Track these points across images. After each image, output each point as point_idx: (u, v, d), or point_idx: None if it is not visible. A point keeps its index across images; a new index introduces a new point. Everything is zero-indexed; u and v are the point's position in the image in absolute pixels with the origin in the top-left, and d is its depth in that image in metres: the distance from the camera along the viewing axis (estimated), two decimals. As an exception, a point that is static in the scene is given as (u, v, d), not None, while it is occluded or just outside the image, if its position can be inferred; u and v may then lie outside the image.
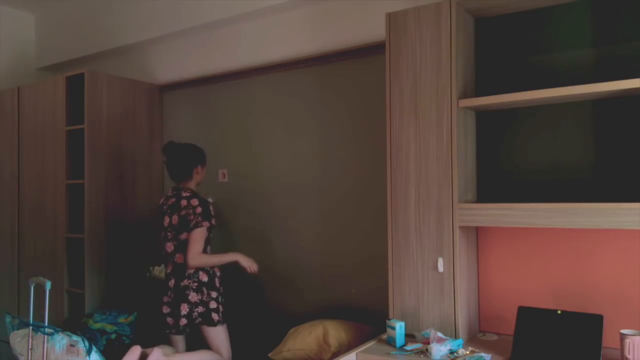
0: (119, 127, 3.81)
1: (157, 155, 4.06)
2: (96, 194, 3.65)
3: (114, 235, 3.75)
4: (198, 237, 2.83)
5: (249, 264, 2.98)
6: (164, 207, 3.00)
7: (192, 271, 2.88)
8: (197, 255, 2.83)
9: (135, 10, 4.03)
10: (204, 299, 2.87)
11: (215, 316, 2.88)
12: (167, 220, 2.96)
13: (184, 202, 2.91)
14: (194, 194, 2.95)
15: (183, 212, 2.89)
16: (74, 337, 2.71)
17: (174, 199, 2.96)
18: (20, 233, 4.10)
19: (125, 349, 2.75)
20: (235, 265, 2.98)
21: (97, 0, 4.30)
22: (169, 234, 2.95)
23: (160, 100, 4.10)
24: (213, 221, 2.91)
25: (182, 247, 2.90)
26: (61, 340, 2.71)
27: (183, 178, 3.00)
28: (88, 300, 3.59)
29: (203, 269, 2.89)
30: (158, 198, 4.02)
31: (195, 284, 2.87)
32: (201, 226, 2.83)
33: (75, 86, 3.73)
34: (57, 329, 2.77)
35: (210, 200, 3.11)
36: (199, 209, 2.86)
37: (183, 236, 2.90)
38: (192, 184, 3.02)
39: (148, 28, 3.94)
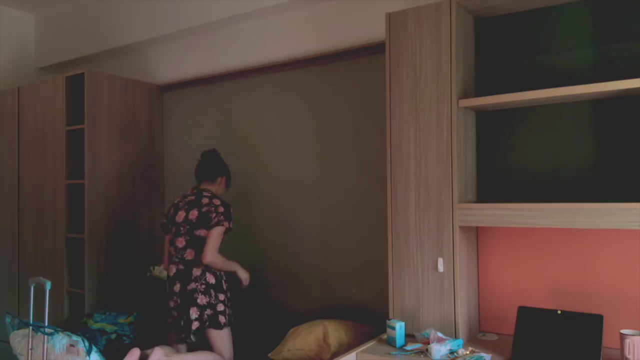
0: (119, 127, 3.81)
1: (157, 155, 4.06)
2: (96, 194, 3.65)
3: (114, 235, 3.75)
4: (218, 235, 2.83)
5: (245, 277, 3.00)
6: (180, 203, 2.99)
7: (198, 273, 2.86)
8: (214, 252, 2.81)
9: (135, 10, 4.02)
10: (212, 301, 2.84)
11: (222, 319, 2.86)
12: (182, 215, 2.94)
13: (205, 200, 2.91)
14: (215, 196, 2.96)
15: (204, 209, 2.88)
16: (74, 337, 2.71)
17: (193, 197, 2.96)
18: (20, 233, 4.09)
19: (125, 349, 2.75)
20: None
21: (97, 0, 4.30)
22: (182, 228, 2.92)
23: (160, 100, 4.10)
24: (231, 224, 2.90)
25: (195, 243, 2.88)
26: (61, 340, 2.71)
27: (206, 178, 3.02)
28: (88, 300, 3.59)
29: (210, 271, 2.87)
30: (157, 198, 4.06)
31: (203, 287, 2.84)
32: (222, 225, 2.84)
33: (75, 86, 3.73)
34: (57, 329, 2.77)
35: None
36: (222, 209, 2.88)
37: (199, 232, 2.88)
38: (212, 189, 3.02)
39: (148, 28, 3.94)
